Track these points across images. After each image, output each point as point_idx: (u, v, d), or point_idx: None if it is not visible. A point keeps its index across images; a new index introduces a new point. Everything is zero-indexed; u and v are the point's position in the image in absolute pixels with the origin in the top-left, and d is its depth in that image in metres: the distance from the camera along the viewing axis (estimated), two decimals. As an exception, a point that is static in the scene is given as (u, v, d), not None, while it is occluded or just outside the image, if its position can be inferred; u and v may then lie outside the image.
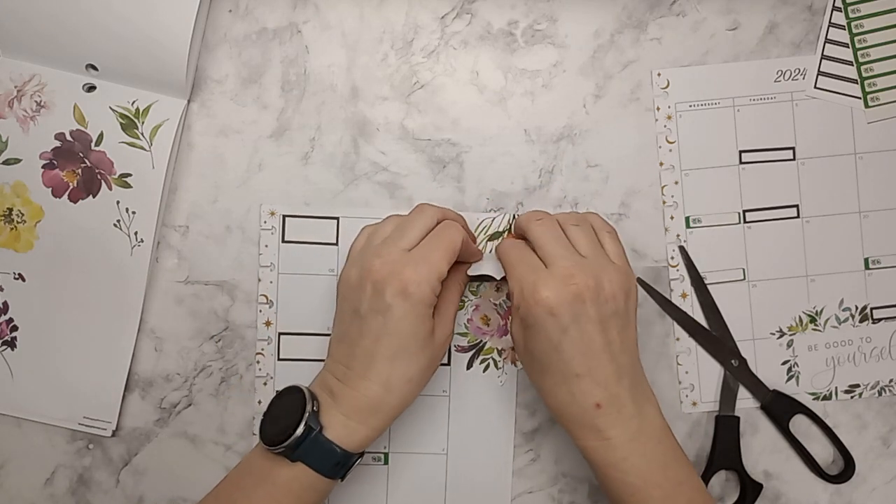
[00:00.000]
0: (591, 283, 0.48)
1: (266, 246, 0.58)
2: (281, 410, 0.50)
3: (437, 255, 0.50)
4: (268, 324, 0.58)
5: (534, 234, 0.52)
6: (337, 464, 0.49)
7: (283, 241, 0.58)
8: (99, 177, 0.57)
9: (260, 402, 0.58)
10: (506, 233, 0.58)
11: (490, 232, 0.58)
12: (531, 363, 0.51)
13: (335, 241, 0.58)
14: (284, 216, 0.58)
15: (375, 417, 0.49)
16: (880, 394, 0.60)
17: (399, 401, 0.50)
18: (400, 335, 0.49)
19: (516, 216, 0.59)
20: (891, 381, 0.60)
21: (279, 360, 0.58)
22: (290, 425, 0.48)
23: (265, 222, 0.58)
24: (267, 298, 0.58)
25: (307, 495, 0.49)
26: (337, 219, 0.58)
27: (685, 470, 0.50)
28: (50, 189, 0.57)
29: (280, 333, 0.58)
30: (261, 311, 0.58)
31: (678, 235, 0.60)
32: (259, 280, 0.58)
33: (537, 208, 0.59)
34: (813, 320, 0.60)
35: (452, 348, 0.58)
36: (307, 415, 0.48)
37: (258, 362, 0.58)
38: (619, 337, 0.49)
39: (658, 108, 0.60)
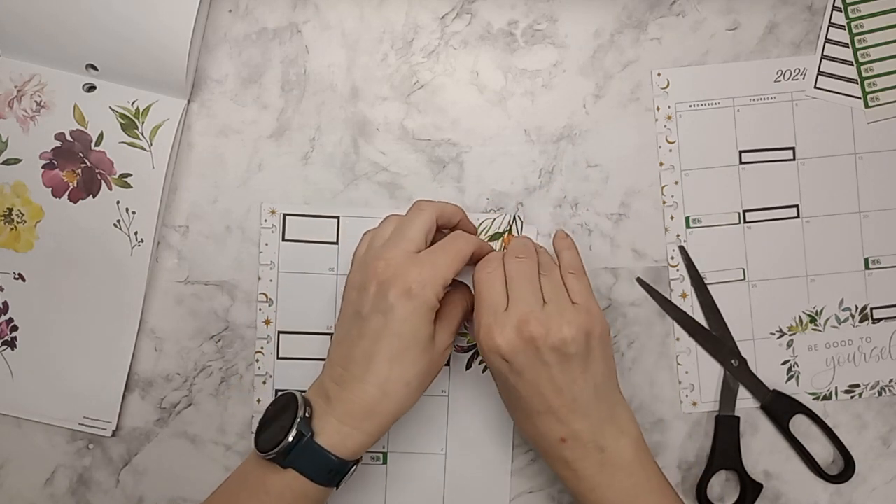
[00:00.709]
0: (542, 332, 0.49)
1: (266, 244, 0.58)
2: (273, 417, 0.50)
3: (443, 260, 0.50)
4: (267, 322, 0.58)
5: (509, 270, 0.52)
6: (331, 471, 0.49)
7: (284, 239, 0.58)
8: (99, 177, 0.57)
9: (259, 400, 0.58)
10: (506, 233, 0.59)
11: (490, 233, 0.58)
12: (500, 395, 0.54)
13: (335, 240, 0.58)
14: (285, 215, 0.58)
15: (370, 422, 0.49)
16: (880, 394, 0.60)
17: (396, 405, 0.49)
18: (401, 336, 0.49)
19: (517, 217, 0.59)
20: (891, 381, 0.60)
21: (279, 358, 0.58)
22: (281, 431, 0.48)
23: (265, 221, 0.58)
24: (267, 297, 0.58)
25: None
26: (337, 218, 0.58)
27: (661, 502, 0.51)
28: (50, 189, 0.57)
29: (280, 332, 0.58)
30: (260, 309, 0.58)
31: (678, 235, 0.60)
32: (259, 279, 0.58)
33: (537, 209, 0.59)
34: (813, 320, 0.60)
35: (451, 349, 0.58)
36: (298, 420, 0.48)
37: (257, 361, 0.58)
38: (581, 377, 0.50)
39: (658, 108, 0.60)
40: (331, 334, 0.58)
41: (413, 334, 0.49)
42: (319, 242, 0.58)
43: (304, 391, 0.52)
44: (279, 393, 0.58)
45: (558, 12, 0.59)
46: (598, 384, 0.51)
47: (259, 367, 0.58)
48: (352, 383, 0.49)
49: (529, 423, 0.51)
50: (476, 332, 0.51)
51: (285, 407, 0.49)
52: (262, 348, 0.58)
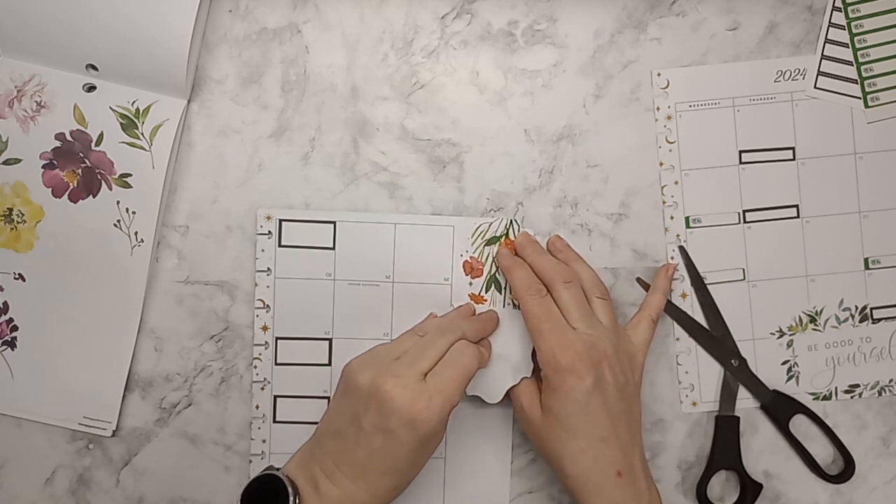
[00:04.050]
0: (611, 351, 0.52)
1: (262, 250, 0.58)
2: (259, 501, 0.48)
3: (452, 386, 0.49)
4: (265, 328, 0.58)
5: (560, 296, 0.53)
6: None
7: (280, 245, 0.58)
8: (99, 177, 0.57)
9: (258, 406, 0.58)
10: (503, 237, 0.58)
11: (487, 237, 0.58)
12: (554, 427, 0.52)
13: (332, 246, 0.58)
14: (281, 220, 0.58)
15: None
16: (880, 394, 0.60)
17: (383, 503, 0.50)
18: (397, 458, 0.48)
19: (514, 220, 0.59)
20: (891, 381, 0.60)
21: (276, 364, 0.58)
22: None
23: (261, 226, 0.58)
24: (264, 303, 0.58)
25: None
26: (334, 223, 0.58)
27: None
28: (50, 189, 0.57)
29: (277, 338, 0.58)
30: (258, 315, 0.58)
31: (678, 235, 0.60)
32: (256, 285, 0.58)
33: (537, 209, 0.59)
34: (813, 320, 0.60)
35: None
36: None
37: (255, 367, 0.58)
38: (629, 408, 0.52)
39: (658, 108, 0.60)
40: (328, 339, 0.58)
41: (409, 457, 0.48)
42: (316, 248, 0.58)
43: (294, 448, 0.52)
44: (277, 398, 0.58)
45: (558, 12, 0.59)
46: (640, 421, 0.54)
47: (257, 374, 0.58)
48: (343, 482, 0.49)
49: (590, 454, 0.51)
50: (546, 358, 0.51)
51: (272, 492, 0.48)
52: (259, 354, 0.58)
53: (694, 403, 0.59)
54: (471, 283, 0.58)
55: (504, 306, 0.58)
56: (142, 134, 0.57)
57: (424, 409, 0.47)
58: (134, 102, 0.57)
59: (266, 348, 0.58)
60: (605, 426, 0.51)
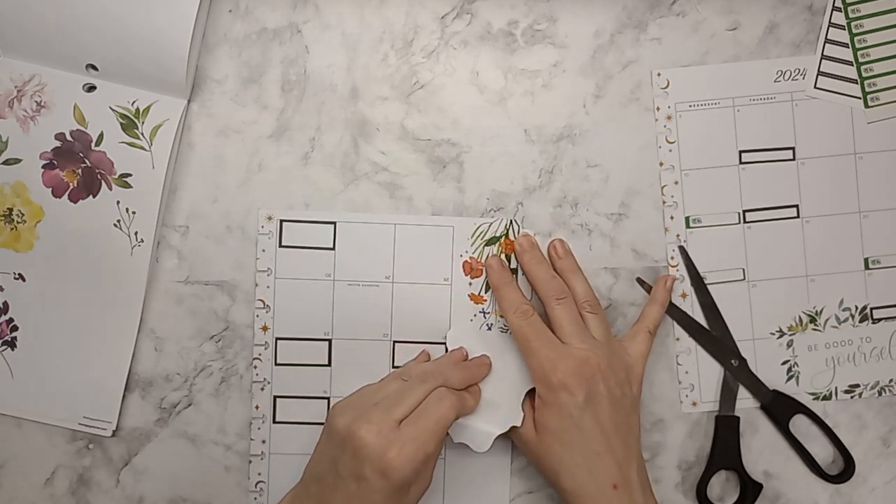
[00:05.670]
0: (605, 365, 0.52)
1: (263, 250, 0.58)
2: None
3: (426, 435, 0.48)
4: (265, 328, 0.58)
5: (552, 313, 0.54)
6: None
7: (280, 245, 0.58)
8: (99, 177, 0.57)
9: (258, 406, 0.58)
10: (502, 237, 0.58)
11: (487, 237, 0.58)
12: (549, 443, 0.52)
13: (332, 246, 0.58)
14: (282, 221, 0.58)
15: None
16: (880, 394, 0.60)
17: None
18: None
19: (513, 220, 0.59)
20: (891, 381, 0.60)
21: (276, 364, 0.58)
22: None
23: (262, 227, 0.58)
24: (264, 303, 0.58)
25: None
26: (334, 223, 0.58)
27: None
28: (50, 189, 0.57)
29: (277, 338, 0.58)
30: (258, 315, 0.58)
31: (678, 235, 0.60)
32: (256, 285, 0.58)
33: (537, 209, 0.59)
34: (813, 320, 0.60)
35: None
36: None
37: (255, 367, 0.58)
38: (625, 420, 0.53)
39: (658, 108, 0.60)
40: (328, 340, 0.58)
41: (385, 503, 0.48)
42: (316, 248, 0.58)
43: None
44: (277, 399, 0.58)
45: (558, 12, 0.59)
46: (637, 434, 0.54)
47: (257, 374, 0.58)
48: None
49: (584, 468, 0.51)
50: (537, 375, 0.53)
51: None
52: (259, 354, 0.58)
53: (694, 403, 0.59)
54: (470, 284, 0.58)
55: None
56: (142, 134, 0.57)
57: (395, 457, 0.47)
58: (134, 102, 0.57)
59: (266, 348, 0.58)
60: (599, 440, 0.51)
